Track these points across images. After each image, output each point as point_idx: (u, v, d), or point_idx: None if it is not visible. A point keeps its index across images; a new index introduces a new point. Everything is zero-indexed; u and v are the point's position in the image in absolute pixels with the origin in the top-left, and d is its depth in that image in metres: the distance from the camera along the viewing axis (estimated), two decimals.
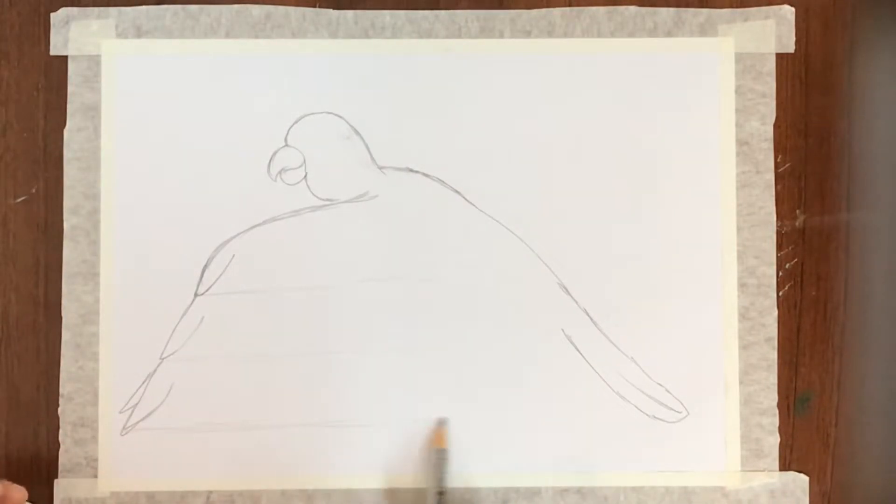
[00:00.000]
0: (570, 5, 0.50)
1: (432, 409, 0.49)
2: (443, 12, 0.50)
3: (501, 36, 0.50)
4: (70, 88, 0.50)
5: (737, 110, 0.50)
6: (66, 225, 0.49)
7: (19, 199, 0.50)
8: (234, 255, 0.49)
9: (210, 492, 0.49)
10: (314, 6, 0.50)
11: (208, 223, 0.49)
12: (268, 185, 0.49)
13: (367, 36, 0.50)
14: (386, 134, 0.50)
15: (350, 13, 0.50)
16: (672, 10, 0.50)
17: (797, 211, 0.50)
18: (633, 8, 0.50)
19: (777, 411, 0.49)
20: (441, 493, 0.46)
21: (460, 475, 0.49)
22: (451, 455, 0.48)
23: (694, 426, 0.49)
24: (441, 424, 0.48)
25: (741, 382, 0.49)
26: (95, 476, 0.49)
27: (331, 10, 0.50)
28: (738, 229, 0.50)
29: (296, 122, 0.50)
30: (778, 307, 0.49)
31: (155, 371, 0.49)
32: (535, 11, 0.50)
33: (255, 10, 0.50)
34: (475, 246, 0.49)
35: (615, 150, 0.50)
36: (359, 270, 0.49)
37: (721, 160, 0.50)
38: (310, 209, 0.49)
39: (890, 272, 0.50)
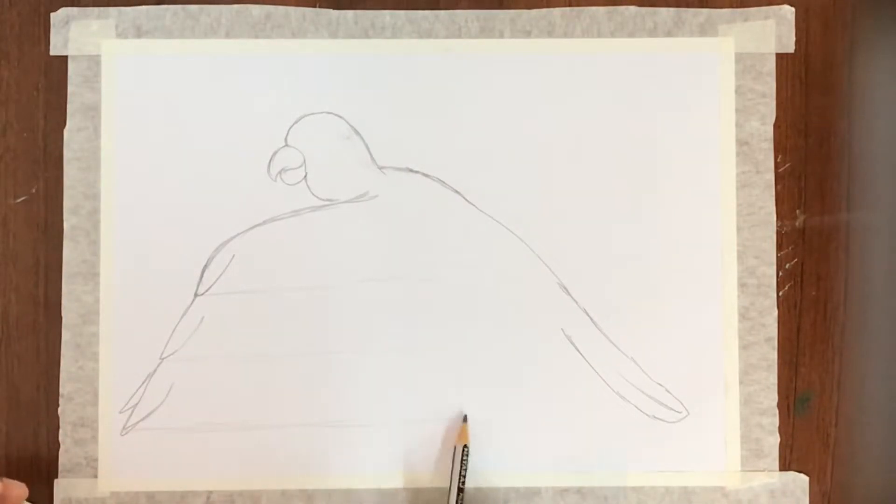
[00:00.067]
0: (570, 5, 0.50)
1: (432, 409, 0.49)
2: (443, 12, 0.50)
3: (501, 36, 0.50)
4: (70, 88, 0.50)
5: (737, 110, 0.50)
6: (66, 225, 0.49)
7: (19, 199, 0.50)
8: (234, 255, 0.49)
9: (210, 492, 0.49)
10: (314, 6, 0.50)
11: (208, 223, 0.49)
12: (268, 185, 0.49)
13: (367, 36, 0.50)
14: (386, 134, 0.50)
15: (350, 13, 0.50)
16: (672, 10, 0.50)
17: (797, 211, 0.50)
18: (633, 8, 0.50)
19: (777, 411, 0.49)
20: (461, 490, 0.46)
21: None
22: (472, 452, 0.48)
23: (694, 426, 0.49)
24: (464, 420, 0.48)
25: (741, 382, 0.49)
26: (95, 476, 0.49)
27: (331, 10, 0.50)
28: (738, 229, 0.50)
29: (296, 122, 0.50)
30: (778, 307, 0.49)
31: (155, 371, 0.49)
32: (535, 11, 0.50)
33: (255, 10, 0.50)
34: (475, 246, 0.49)
35: (615, 150, 0.50)
36: (359, 270, 0.49)
37: (721, 160, 0.50)
38: (310, 209, 0.49)
39: (890, 272, 0.50)
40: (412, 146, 0.50)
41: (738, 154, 0.50)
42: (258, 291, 0.49)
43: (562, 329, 0.49)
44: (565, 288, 0.49)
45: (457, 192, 0.50)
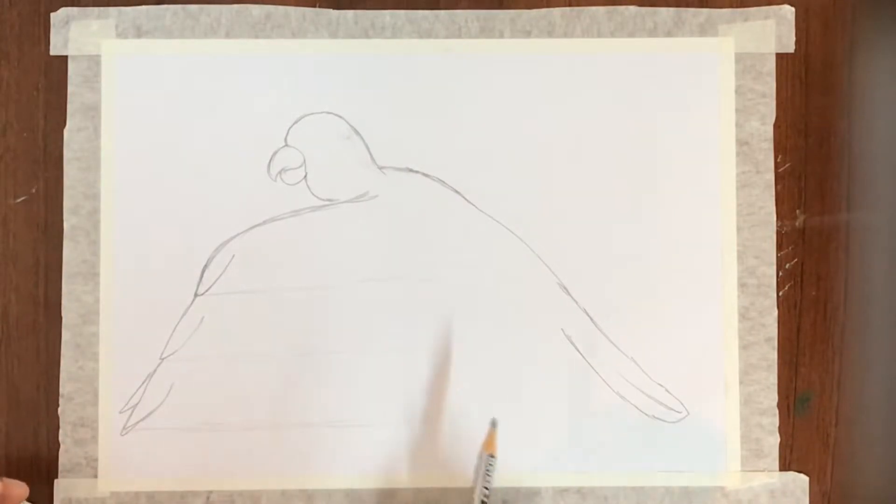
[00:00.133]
0: (570, 5, 0.50)
1: (432, 409, 0.49)
2: (443, 12, 0.50)
3: (501, 36, 0.50)
4: (70, 88, 0.50)
5: (737, 110, 0.50)
6: (66, 225, 0.49)
7: (19, 199, 0.50)
8: (234, 255, 0.49)
9: (210, 492, 0.49)
10: (314, 6, 0.50)
11: (208, 223, 0.49)
12: (268, 185, 0.49)
13: (367, 36, 0.50)
14: (386, 134, 0.50)
15: (350, 13, 0.50)
16: (672, 10, 0.50)
17: (797, 211, 0.50)
18: (633, 8, 0.50)
19: (777, 411, 0.49)
20: (484, 501, 0.45)
21: (461, 475, 0.49)
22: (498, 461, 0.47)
23: (694, 426, 0.49)
24: (493, 426, 0.47)
25: (741, 382, 0.49)
26: (95, 476, 0.49)
27: (331, 10, 0.50)
28: (738, 229, 0.50)
29: (296, 122, 0.50)
30: (778, 307, 0.49)
31: (155, 371, 0.49)
32: (535, 11, 0.50)
33: (255, 10, 0.50)
34: (475, 246, 0.49)
35: (615, 150, 0.50)
36: (359, 270, 0.49)
37: (721, 160, 0.50)
38: (310, 209, 0.49)
39: (890, 272, 0.50)
40: (412, 146, 0.50)
41: (738, 154, 0.50)
42: (258, 291, 0.49)
43: (562, 329, 0.49)
44: (565, 288, 0.49)
45: (457, 192, 0.50)
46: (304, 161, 0.50)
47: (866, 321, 0.50)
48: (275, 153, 0.50)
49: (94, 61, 0.50)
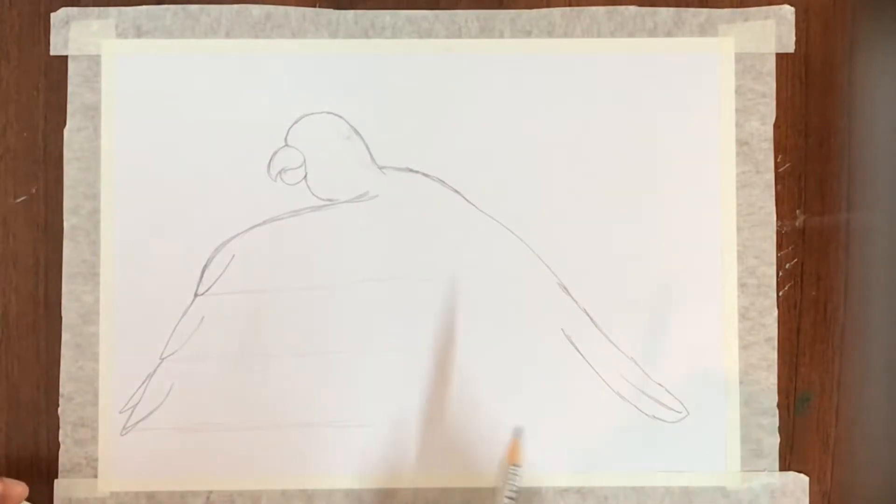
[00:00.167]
0: (570, 5, 0.50)
1: (432, 409, 0.49)
2: (443, 12, 0.50)
3: (501, 36, 0.50)
4: (70, 88, 0.50)
5: (737, 110, 0.50)
6: (66, 225, 0.49)
7: (19, 199, 0.50)
8: (234, 255, 0.49)
9: (210, 492, 0.49)
10: (314, 6, 0.50)
11: (208, 223, 0.49)
12: (268, 185, 0.49)
13: (367, 36, 0.50)
14: (386, 134, 0.50)
15: (350, 13, 0.50)
16: (672, 10, 0.50)
17: (797, 211, 0.50)
18: (633, 8, 0.50)
19: (777, 411, 0.49)
20: None
21: (461, 475, 0.49)
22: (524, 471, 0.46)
23: (694, 426, 0.49)
24: (516, 435, 0.47)
25: (741, 382, 0.49)
26: (95, 476, 0.49)
27: (331, 10, 0.50)
28: (738, 229, 0.50)
29: (296, 122, 0.50)
30: (778, 307, 0.49)
31: (155, 371, 0.49)
32: (535, 11, 0.50)
33: (255, 10, 0.50)
34: (475, 246, 0.49)
35: (615, 150, 0.50)
36: (359, 270, 0.49)
37: (721, 160, 0.50)
38: (310, 209, 0.49)
39: (890, 272, 0.50)
40: (412, 146, 0.50)
41: (738, 154, 0.50)
42: (258, 291, 0.49)
43: (562, 329, 0.49)
44: (565, 288, 0.49)
45: (457, 192, 0.50)
46: (304, 161, 0.50)
47: (866, 321, 0.50)
48: (275, 153, 0.50)
49: (94, 61, 0.50)
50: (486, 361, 0.49)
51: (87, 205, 0.49)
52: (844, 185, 0.50)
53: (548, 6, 0.50)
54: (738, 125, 0.50)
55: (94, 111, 0.50)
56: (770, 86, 0.50)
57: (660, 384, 0.49)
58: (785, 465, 0.49)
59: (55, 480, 0.48)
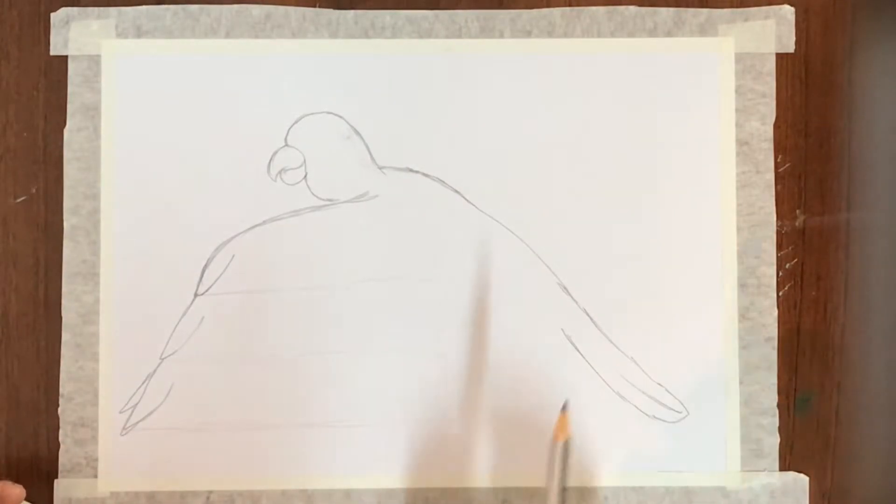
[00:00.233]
0: (570, 5, 0.50)
1: (432, 409, 0.49)
2: (443, 12, 0.50)
3: (501, 36, 0.50)
4: (70, 88, 0.50)
5: (737, 110, 0.50)
6: (66, 225, 0.49)
7: (19, 199, 0.50)
8: (234, 255, 0.49)
9: (210, 492, 0.49)
10: (314, 6, 0.50)
11: (208, 223, 0.49)
12: (268, 185, 0.49)
13: (367, 36, 0.50)
14: (386, 134, 0.50)
15: (350, 13, 0.50)
16: (672, 10, 0.50)
17: (797, 211, 0.50)
18: (633, 8, 0.50)
19: (777, 411, 0.49)
20: (565, 490, 0.44)
21: (461, 475, 0.49)
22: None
23: (694, 426, 0.49)
24: (563, 410, 0.45)
25: (741, 382, 0.49)
26: (95, 476, 0.49)
27: (331, 10, 0.50)
28: (738, 229, 0.50)
29: (296, 122, 0.50)
30: (778, 307, 0.49)
31: (155, 371, 0.49)
32: (535, 11, 0.50)
33: (255, 10, 0.50)
34: (475, 246, 0.49)
35: (615, 150, 0.50)
36: (359, 270, 0.49)
37: (721, 160, 0.50)
38: (310, 209, 0.49)
39: (890, 272, 0.50)
40: (412, 146, 0.50)
41: (738, 154, 0.50)
42: (258, 291, 0.49)
43: (562, 329, 0.49)
44: (565, 288, 0.49)
45: (457, 192, 0.50)
46: (304, 161, 0.50)
47: (866, 321, 0.50)
48: (275, 153, 0.50)
49: (94, 61, 0.50)
50: (486, 361, 0.49)
51: (87, 205, 0.49)
52: (844, 185, 0.50)
53: (548, 6, 0.50)
54: (738, 125, 0.50)
55: (94, 111, 0.50)
56: (770, 86, 0.50)
57: (660, 384, 0.49)
58: (785, 465, 0.49)
59: (55, 480, 0.48)
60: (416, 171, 0.50)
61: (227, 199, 0.49)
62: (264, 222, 0.49)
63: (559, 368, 0.49)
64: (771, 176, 0.50)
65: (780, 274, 0.50)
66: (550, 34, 0.50)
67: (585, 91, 0.50)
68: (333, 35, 0.50)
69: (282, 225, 0.49)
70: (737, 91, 0.50)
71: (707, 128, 0.50)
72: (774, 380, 0.49)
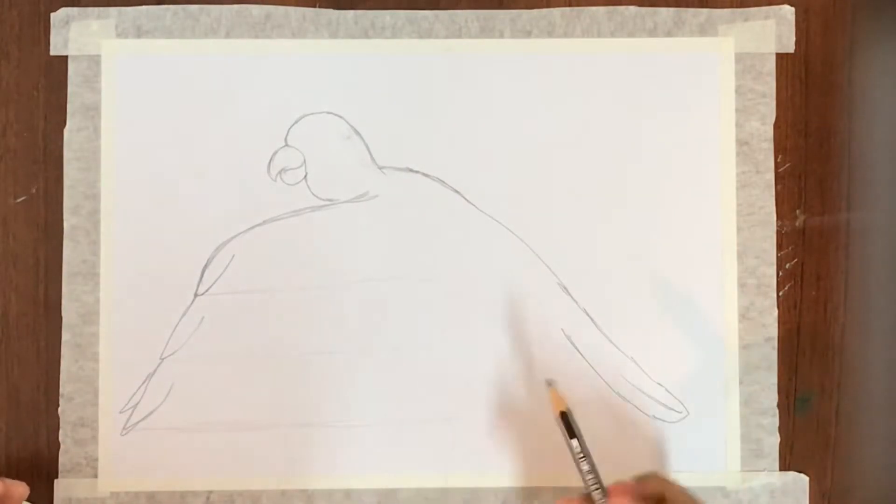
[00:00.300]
0: (570, 5, 0.50)
1: (432, 409, 0.49)
2: (443, 12, 0.50)
3: (501, 36, 0.50)
4: (70, 88, 0.50)
5: (737, 110, 0.50)
6: (66, 225, 0.49)
7: (19, 199, 0.50)
8: (234, 255, 0.49)
9: (210, 492, 0.49)
10: (314, 6, 0.50)
11: (208, 223, 0.49)
12: (268, 185, 0.49)
13: (367, 36, 0.50)
14: (386, 134, 0.50)
15: (350, 13, 0.50)
16: (672, 10, 0.50)
17: (797, 211, 0.50)
18: (633, 8, 0.50)
19: (777, 411, 0.49)
20: (584, 456, 0.43)
21: (460, 475, 0.49)
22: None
23: (694, 426, 0.49)
24: (551, 385, 0.45)
25: (741, 382, 0.49)
26: (95, 476, 0.49)
27: (331, 10, 0.50)
28: (738, 229, 0.50)
29: (296, 122, 0.50)
30: (778, 307, 0.49)
31: (155, 371, 0.49)
32: (535, 11, 0.50)
33: (255, 10, 0.50)
34: (475, 246, 0.49)
35: (615, 150, 0.50)
36: (359, 270, 0.49)
37: (721, 160, 0.50)
38: (310, 209, 0.49)
39: (890, 272, 0.50)
40: (412, 146, 0.50)
41: (738, 154, 0.50)
42: (258, 291, 0.49)
43: (562, 329, 0.49)
44: (565, 288, 0.49)
45: (457, 192, 0.50)
46: (304, 161, 0.50)
47: (866, 321, 0.50)
48: (275, 153, 0.50)
49: (94, 61, 0.50)
50: (486, 361, 0.49)
51: (87, 205, 0.49)
52: (844, 185, 0.50)
53: (548, 6, 0.50)
54: (738, 125, 0.50)
55: (94, 111, 0.50)
56: (770, 86, 0.50)
57: (660, 384, 0.49)
58: (785, 465, 0.49)
59: (55, 480, 0.48)
60: (416, 171, 0.50)
61: (227, 199, 0.49)
62: (264, 222, 0.49)
63: (559, 368, 0.49)
64: (771, 176, 0.50)
65: (780, 274, 0.50)
66: (550, 34, 0.50)
67: (585, 91, 0.50)
68: (333, 35, 0.50)
69: (282, 225, 0.49)
70: (737, 91, 0.50)
71: (707, 128, 0.50)
72: (774, 380, 0.49)
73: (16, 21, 0.50)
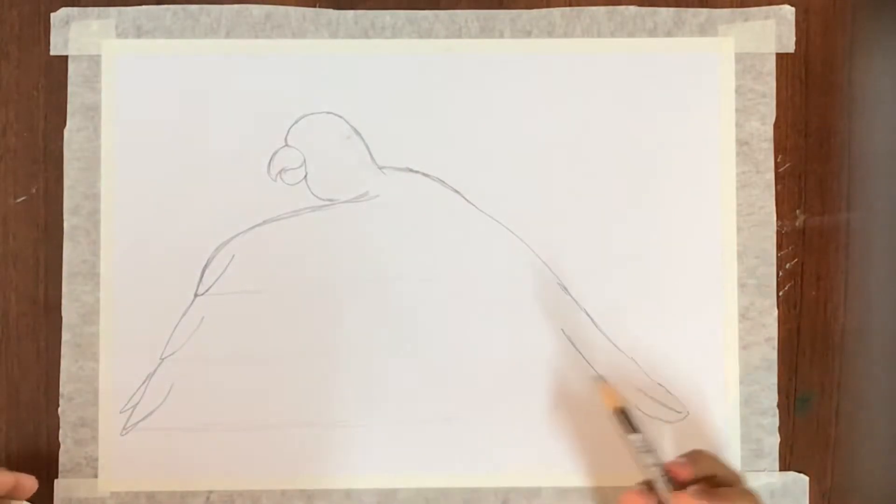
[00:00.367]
0: (570, 5, 0.50)
1: (432, 409, 0.49)
2: (443, 12, 0.50)
3: (501, 36, 0.50)
4: (70, 88, 0.50)
5: (737, 110, 0.50)
6: (66, 225, 0.49)
7: (19, 199, 0.50)
8: (234, 255, 0.49)
9: (210, 492, 0.49)
10: (314, 6, 0.50)
11: (208, 223, 0.49)
12: (268, 185, 0.49)
13: (367, 36, 0.50)
14: (386, 134, 0.50)
15: (350, 13, 0.50)
16: (672, 10, 0.50)
17: (797, 211, 0.50)
18: (633, 8, 0.50)
19: (777, 411, 0.49)
20: (648, 451, 0.43)
21: (460, 475, 0.49)
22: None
23: (694, 426, 0.49)
24: (600, 381, 0.45)
25: (741, 382, 0.49)
26: (95, 476, 0.49)
27: (331, 10, 0.50)
28: (738, 229, 0.50)
29: (296, 122, 0.50)
30: (778, 307, 0.49)
31: (155, 371, 0.49)
32: (535, 11, 0.50)
33: (255, 10, 0.50)
34: (475, 246, 0.49)
35: (615, 150, 0.50)
36: (359, 270, 0.49)
37: (721, 160, 0.50)
38: (310, 209, 0.49)
39: (890, 272, 0.50)
40: (412, 146, 0.50)
41: (738, 154, 0.50)
42: (258, 291, 0.49)
43: (562, 329, 0.49)
44: (565, 288, 0.49)
45: (457, 192, 0.50)
46: (304, 161, 0.50)
47: (866, 321, 0.50)
48: (275, 153, 0.50)
49: (94, 61, 0.50)
50: (486, 361, 0.49)
51: (87, 205, 0.49)
52: (844, 185, 0.50)
53: (548, 6, 0.50)
54: (738, 125, 0.50)
55: (94, 111, 0.50)
56: (770, 86, 0.50)
57: (660, 384, 0.49)
58: (785, 465, 0.49)
59: (55, 480, 0.48)
60: (416, 171, 0.50)
61: (227, 199, 0.49)
62: (264, 222, 0.49)
63: (559, 368, 0.49)
64: (771, 176, 0.50)
65: (780, 274, 0.50)
66: (550, 34, 0.50)
67: (585, 91, 0.50)
68: (333, 35, 0.50)
69: (282, 225, 0.49)
70: (737, 91, 0.50)
71: (707, 128, 0.50)
72: (774, 380, 0.49)
73: (16, 21, 0.50)
